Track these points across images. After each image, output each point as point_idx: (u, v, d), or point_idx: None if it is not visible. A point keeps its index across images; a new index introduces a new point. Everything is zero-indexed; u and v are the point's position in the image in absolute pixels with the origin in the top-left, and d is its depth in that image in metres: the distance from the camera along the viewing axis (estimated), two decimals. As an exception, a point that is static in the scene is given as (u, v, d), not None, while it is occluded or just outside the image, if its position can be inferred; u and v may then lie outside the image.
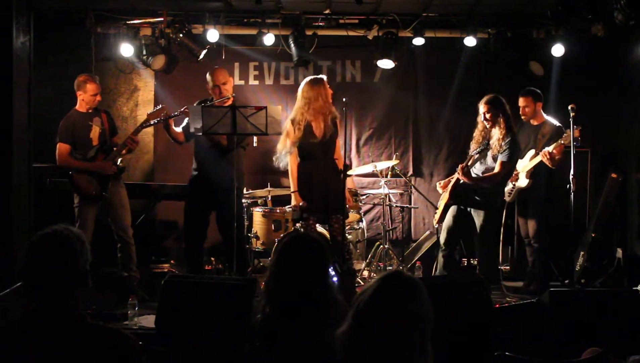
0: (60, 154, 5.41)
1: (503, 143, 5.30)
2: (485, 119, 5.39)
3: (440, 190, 5.67)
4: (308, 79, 5.19)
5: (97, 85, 5.51)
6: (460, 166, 5.36)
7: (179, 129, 5.47)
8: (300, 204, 5.16)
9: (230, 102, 5.32)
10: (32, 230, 5.05)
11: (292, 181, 5.27)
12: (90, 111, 5.50)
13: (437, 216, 5.65)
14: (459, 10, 6.73)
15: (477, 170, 5.47)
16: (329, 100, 5.17)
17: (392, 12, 6.70)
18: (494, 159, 5.36)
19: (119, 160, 5.56)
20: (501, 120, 5.33)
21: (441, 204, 5.57)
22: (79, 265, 2.05)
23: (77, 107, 5.51)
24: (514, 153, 5.38)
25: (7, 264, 4.66)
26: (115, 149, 5.49)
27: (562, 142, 5.50)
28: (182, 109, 5.34)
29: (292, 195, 5.25)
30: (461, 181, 5.40)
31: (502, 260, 6.67)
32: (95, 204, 5.45)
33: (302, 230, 5.31)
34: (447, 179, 5.66)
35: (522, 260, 6.20)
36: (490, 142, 5.35)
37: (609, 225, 6.23)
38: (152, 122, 5.50)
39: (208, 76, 5.41)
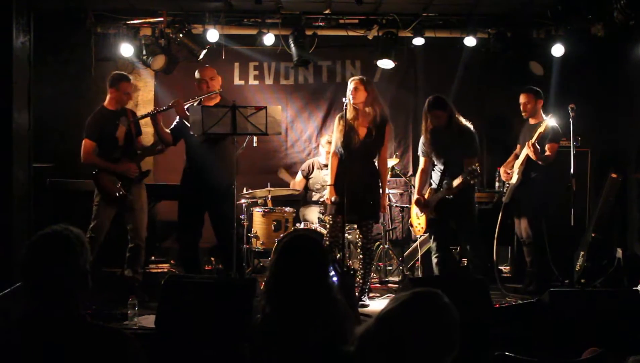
0: (85, 151, 5.34)
1: (462, 141, 5.16)
2: (436, 123, 5.19)
3: (417, 212, 5.52)
4: (355, 79, 5.22)
5: (131, 84, 5.54)
6: (445, 188, 5.20)
7: (167, 130, 5.47)
8: (333, 199, 5.17)
9: (218, 99, 5.35)
10: (32, 230, 5.05)
11: (330, 175, 5.31)
12: (118, 109, 5.47)
13: (418, 228, 5.53)
14: (459, 10, 6.73)
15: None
16: (378, 102, 5.20)
17: (392, 12, 6.69)
18: (456, 161, 5.23)
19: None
20: (451, 119, 5.18)
21: (422, 218, 5.48)
22: (78, 265, 2.05)
23: (105, 103, 5.47)
24: (477, 146, 5.26)
25: (7, 264, 4.67)
26: (144, 149, 5.53)
27: (542, 130, 5.48)
28: (170, 103, 5.33)
29: (328, 188, 5.30)
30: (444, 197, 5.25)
31: (502, 260, 6.68)
32: (115, 204, 5.41)
33: (328, 226, 5.32)
34: (417, 198, 5.43)
35: (522, 260, 6.19)
36: (446, 142, 5.20)
37: (609, 225, 6.22)
38: (140, 116, 5.51)
39: (196, 73, 5.44)
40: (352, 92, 5.13)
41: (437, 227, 5.38)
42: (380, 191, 5.29)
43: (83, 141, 5.35)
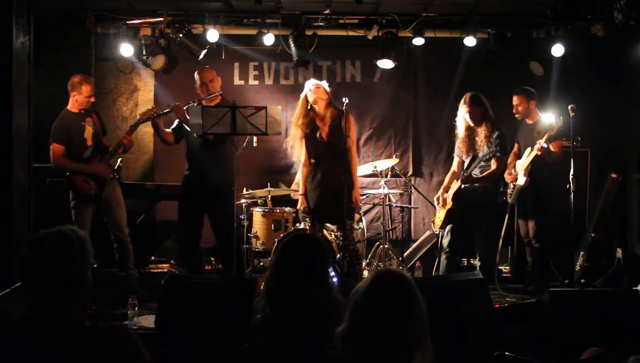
0: (55, 155, 5.36)
1: (492, 139, 5.34)
2: (470, 118, 5.42)
3: (437, 206, 5.70)
4: (309, 82, 5.28)
5: (92, 86, 5.47)
6: (462, 176, 5.40)
7: (168, 130, 5.47)
8: (302, 208, 5.24)
9: (218, 99, 5.33)
10: (32, 230, 5.05)
11: (300, 183, 5.35)
12: (82, 111, 5.47)
13: (437, 223, 5.65)
14: (459, 10, 6.73)
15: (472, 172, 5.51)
16: (334, 102, 5.22)
17: (392, 12, 6.70)
18: (485, 157, 5.39)
19: (119, 160, 5.57)
20: (485, 117, 5.37)
21: (442, 212, 5.55)
22: (74, 267, 2.04)
23: (69, 107, 5.47)
24: (506, 146, 5.48)
25: (7, 264, 4.66)
26: (110, 149, 5.49)
27: (553, 132, 5.50)
28: (170, 107, 5.32)
29: (299, 197, 5.33)
30: (463, 187, 5.42)
31: (502, 260, 6.68)
32: (92, 204, 5.43)
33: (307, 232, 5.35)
34: (442, 192, 5.68)
35: (522, 260, 6.20)
36: (477, 140, 5.38)
37: (609, 225, 6.23)
38: (141, 121, 5.50)
39: (196, 75, 5.42)
40: (314, 90, 5.16)
41: (453, 223, 5.49)
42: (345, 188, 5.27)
43: (51, 147, 5.35)
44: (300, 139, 5.25)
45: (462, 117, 5.50)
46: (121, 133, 5.96)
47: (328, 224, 5.70)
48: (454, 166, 5.77)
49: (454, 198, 5.48)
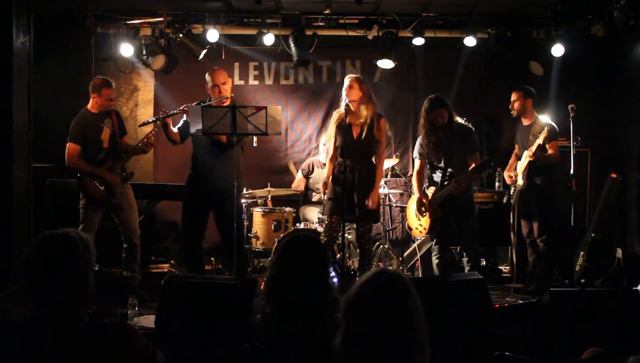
0: (70, 154, 5.32)
1: (463, 139, 5.20)
2: (440, 122, 5.20)
3: (416, 213, 5.51)
4: (350, 77, 5.20)
5: (113, 90, 5.48)
6: (452, 185, 5.17)
7: (174, 130, 5.47)
8: (327, 198, 5.18)
9: (228, 102, 5.31)
10: (32, 230, 5.06)
11: (326, 175, 5.30)
12: (101, 112, 5.45)
13: (420, 231, 5.50)
14: (459, 10, 6.73)
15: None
16: (372, 102, 5.17)
17: (392, 12, 6.70)
18: (461, 175, 5.23)
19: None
20: (451, 118, 5.22)
21: (424, 219, 5.46)
22: (78, 269, 2.04)
23: (89, 107, 5.45)
24: (476, 142, 5.30)
25: (7, 264, 4.67)
26: (129, 150, 5.49)
27: (540, 142, 5.47)
28: (181, 108, 5.32)
29: (326, 185, 5.28)
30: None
31: (502, 260, 6.68)
32: (101, 207, 5.42)
33: (323, 226, 5.32)
34: (425, 201, 5.39)
35: (522, 260, 6.19)
36: (448, 142, 5.22)
37: (609, 225, 6.23)
38: (150, 120, 5.48)
39: (207, 76, 5.39)
40: (346, 90, 5.12)
41: (439, 228, 5.38)
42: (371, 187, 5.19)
43: (67, 145, 5.32)
44: (331, 136, 5.21)
45: (427, 121, 5.26)
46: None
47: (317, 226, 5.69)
48: (417, 167, 5.48)
49: (441, 207, 5.29)
